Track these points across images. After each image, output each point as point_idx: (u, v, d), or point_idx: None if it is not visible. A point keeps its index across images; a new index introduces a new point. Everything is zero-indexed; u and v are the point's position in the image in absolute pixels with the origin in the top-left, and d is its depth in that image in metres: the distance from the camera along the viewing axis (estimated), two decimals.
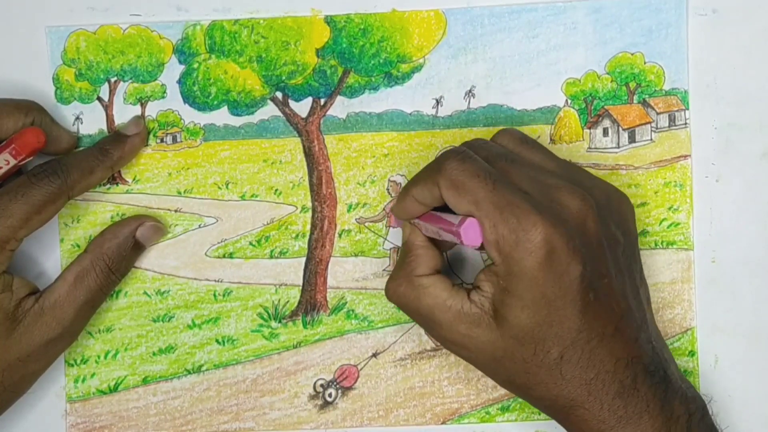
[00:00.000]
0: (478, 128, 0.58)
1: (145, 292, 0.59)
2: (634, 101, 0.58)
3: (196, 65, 0.58)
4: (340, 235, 0.59)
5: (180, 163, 0.59)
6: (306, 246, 0.59)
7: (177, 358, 0.59)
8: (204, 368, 0.59)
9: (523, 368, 0.49)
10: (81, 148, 0.58)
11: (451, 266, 0.58)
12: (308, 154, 0.58)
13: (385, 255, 0.58)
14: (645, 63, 0.58)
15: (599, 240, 0.49)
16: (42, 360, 0.55)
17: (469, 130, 0.58)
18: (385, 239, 0.58)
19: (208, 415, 0.59)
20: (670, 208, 0.58)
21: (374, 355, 0.58)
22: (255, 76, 0.58)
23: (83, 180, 0.55)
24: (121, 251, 0.56)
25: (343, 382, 0.58)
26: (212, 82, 0.58)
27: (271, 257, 0.59)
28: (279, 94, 0.58)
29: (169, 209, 0.59)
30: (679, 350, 0.58)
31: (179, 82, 0.58)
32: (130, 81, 0.58)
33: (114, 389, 0.59)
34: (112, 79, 0.59)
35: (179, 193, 0.59)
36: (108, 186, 0.59)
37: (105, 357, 0.59)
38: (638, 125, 0.58)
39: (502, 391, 0.58)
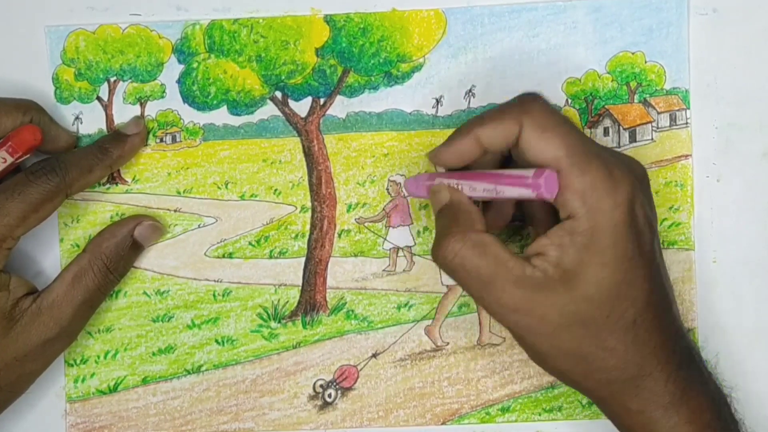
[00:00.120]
0: None
1: (144, 292, 0.58)
2: (635, 101, 0.58)
3: (195, 65, 0.58)
4: (339, 235, 0.58)
5: (179, 162, 0.58)
6: (305, 246, 0.58)
7: (176, 359, 0.58)
8: (203, 368, 0.59)
9: (594, 333, 0.47)
10: (80, 147, 0.58)
11: None
12: (308, 153, 0.58)
13: (385, 255, 0.58)
14: (646, 62, 0.58)
15: (652, 206, 0.50)
16: (39, 360, 0.55)
17: None
18: (385, 239, 0.58)
19: (207, 416, 0.58)
20: (670, 208, 0.58)
21: (374, 355, 0.58)
22: (254, 76, 0.58)
23: (82, 178, 0.55)
24: (119, 251, 0.56)
25: (342, 382, 0.58)
26: (211, 81, 0.58)
27: (271, 257, 0.59)
28: (278, 94, 0.58)
29: (168, 209, 0.59)
30: None
31: (178, 81, 0.58)
32: (130, 81, 0.58)
33: (114, 389, 0.59)
34: (112, 79, 0.58)
35: (179, 192, 0.59)
36: (107, 186, 0.58)
37: (105, 357, 0.59)
38: (639, 125, 0.58)
39: (503, 391, 0.58)
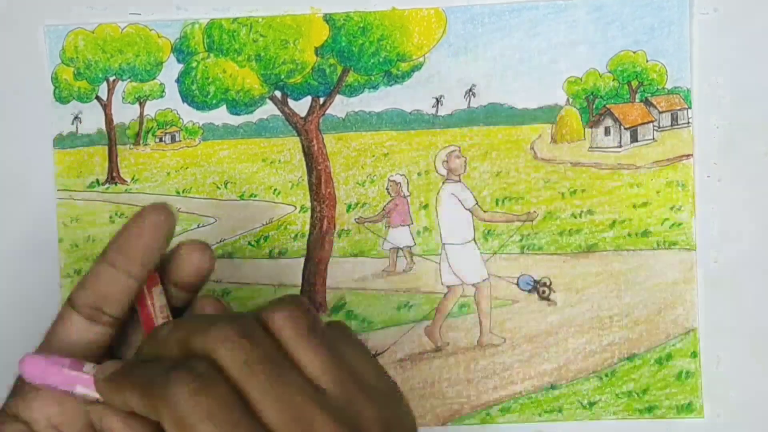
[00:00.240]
0: (479, 127, 0.58)
1: None
2: (636, 100, 0.58)
3: (194, 64, 0.58)
4: (339, 235, 0.58)
5: (178, 162, 0.58)
6: (305, 246, 0.58)
7: None
8: None
9: None
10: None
11: (451, 267, 0.58)
12: (307, 153, 0.58)
13: (385, 255, 0.58)
14: (647, 61, 0.57)
15: None
16: None
17: (470, 129, 0.58)
18: (385, 239, 0.58)
19: None
20: (672, 208, 0.57)
21: (374, 355, 0.58)
22: (254, 75, 0.58)
23: None
24: None
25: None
26: (211, 81, 0.58)
27: (270, 257, 0.58)
28: (278, 93, 0.58)
29: None
30: (682, 351, 0.57)
31: (178, 81, 0.58)
32: (129, 80, 0.58)
33: None
34: (111, 78, 0.58)
35: (178, 192, 0.58)
36: (107, 186, 0.58)
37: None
38: (640, 124, 0.58)
39: (503, 392, 0.58)
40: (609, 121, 0.58)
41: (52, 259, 0.58)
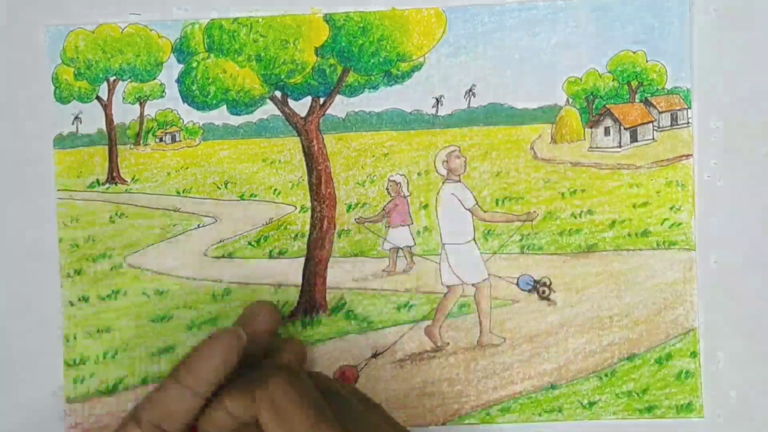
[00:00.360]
0: (479, 127, 0.58)
1: (143, 292, 0.58)
2: (636, 100, 0.58)
3: (194, 64, 0.58)
4: (339, 235, 0.58)
5: (179, 162, 0.58)
6: (305, 246, 0.58)
7: (176, 359, 0.58)
8: None
9: None
10: None
11: (451, 267, 0.58)
12: (307, 153, 0.58)
13: (385, 255, 0.58)
14: (647, 61, 0.57)
15: None
16: None
17: (470, 129, 0.58)
18: (385, 239, 0.58)
19: None
20: (671, 208, 0.57)
21: (374, 355, 0.58)
22: (254, 75, 0.58)
23: None
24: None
25: (342, 382, 0.58)
26: (211, 81, 0.58)
27: (271, 257, 0.58)
28: (278, 93, 0.58)
29: (168, 209, 0.58)
30: (681, 351, 0.57)
31: (178, 81, 0.58)
32: (129, 80, 0.58)
33: (113, 390, 0.58)
34: (111, 78, 0.58)
35: (178, 192, 0.58)
36: (107, 185, 0.58)
37: (104, 357, 0.58)
38: (640, 124, 0.58)
39: (503, 392, 0.58)
40: (609, 121, 0.58)
41: (52, 259, 0.58)
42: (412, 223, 0.58)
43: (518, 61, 0.57)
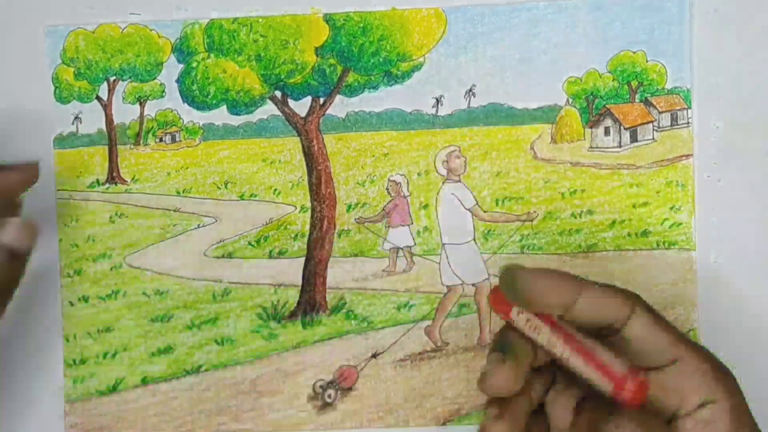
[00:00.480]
0: (479, 127, 0.58)
1: (143, 292, 0.58)
2: (636, 100, 0.58)
3: (194, 64, 0.58)
4: (339, 235, 0.58)
5: (179, 162, 0.58)
6: (305, 246, 0.58)
7: (176, 359, 0.58)
8: (203, 369, 0.58)
9: None
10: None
11: (451, 267, 0.58)
12: (307, 153, 0.58)
13: (385, 255, 0.58)
14: (647, 61, 0.57)
15: None
16: None
17: (470, 129, 0.58)
18: (385, 239, 0.58)
19: (207, 416, 0.58)
20: (672, 208, 0.57)
21: (374, 355, 0.58)
22: (254, 75, 0.58)
23: None
24: None
25: (342, 383, 0.58)
26: (211, 81, 0.58)
27: (270, 257, 0.58)
28: (278, 93, 0.58)
29: (168, 209, 0.58)
30: None
31: (178, 81, 0.58)
32: (129, 80, 0.58)
33: (113, 389, 0.59)
34: (111, 79, 0.58)
35: (178, 192, 0.58)
36: (107, 186, 0.58)
37: (104, 357, 0.58)
38: (640, 124, 0.58)
39: None
40: (609, 121, 0.58)
41: (52, 258, 0.58)
42: (412, 223, 0.58)
43: (518, 61, 0.57)
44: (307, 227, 0.58)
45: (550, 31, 0.57)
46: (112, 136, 0.58)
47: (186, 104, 0.58)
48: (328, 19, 0.58)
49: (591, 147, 0.58)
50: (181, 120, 0.58)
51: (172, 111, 0.58)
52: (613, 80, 0.58)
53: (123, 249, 0.58)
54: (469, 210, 0.58)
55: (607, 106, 0.58)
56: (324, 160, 0.58)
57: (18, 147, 0.58)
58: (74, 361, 0.58)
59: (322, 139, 0.58)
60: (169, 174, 0.58)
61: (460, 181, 0.58)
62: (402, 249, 0.58)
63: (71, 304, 0.58)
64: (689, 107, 0.57)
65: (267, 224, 0.58)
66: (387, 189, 0.58)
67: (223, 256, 0.58)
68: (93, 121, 0.58)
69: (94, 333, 0.58)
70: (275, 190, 0.58)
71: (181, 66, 0.58)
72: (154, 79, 0.58)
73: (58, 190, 0.58)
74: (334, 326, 0.58)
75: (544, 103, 0.58)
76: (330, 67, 0.58)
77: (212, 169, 0.58)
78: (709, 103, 0.57)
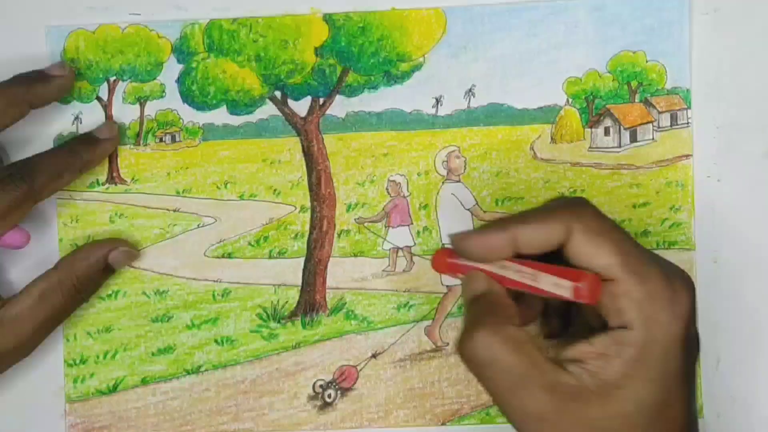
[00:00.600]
0: (479, 127, 0.58)
1: (143, 292, 0.58)
2: (636, 100, 0.58)
3: (194, 64, 0.58)
4: (339, 235, 0.58)
5: (179, 162, 0.58)
6: (305, 246, 0.58)
7: (176, 359, 0.58)
8: (203, 369, 0.58)
9: None
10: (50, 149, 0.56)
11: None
12: (307, 153, 0.58)
13: (385, 255, 0.58)
14: (647, 62, 0.57)
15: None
16: None
17: (469, 130, 0.58)
18: (385, 239, 0.58)
19: (207, 416, 0.58)
20: (671, 208, 0.57)
21: (374, 355, 0.58)
22: (254, 75, 0.58)
23: (51, 184, 0.54)
24: (90, 273, 0.56)
25: (342, 382, 0.58)
26: (211, 81, 0.58)
27: (270, 257, 0.58)
28: (278, 93, 0.58)
29: (167, 209, 0.59)
30: None
31: (178, 81, 0.58)
32: (129, 80, 0.58)
33: (113, 389, 0.59)
34: (111, 79, 0.58)
35: (178, 192, 0.58)
36: (107, 186, 0.58)
37: (104, 357, 0.58)
38: (640, 124, 0.58)
39: None
40: (609, 122, 0.58)
41: (51, 258, 0.58)
42: (412, 223, 0.58)
43: (518, 61, 0.57)
44: (307, 227, 0.58)
45: (550, 32, 0.57)
46: None
47: (186, 104, 0.58)
48: (328, 19, 0.58)
49: (591, 147, 0.58)
50: (181, 120, 0.58)
51: (172, 111, 0.58)
52: (612, 80, 0.58)
53: None
54: (469, 210, 0.58)
55: (607, 106, 0.58)
56: (324, 160, 0.58)
57: (18, 145, 0.58)
58: (74, 361, 0.58)
59: (322, 139, 0.58)
60: (169, 174, 0.58)
61: (460, 181, 0.58)
62: (402, 249, 0.58)
63: None
64: (689, 107, 0.57)
65: (267, 224, 0.58)
66: (387, 189, 0.58)
67: (223, 256, 0.58)
68: (93, 121, 0.58)
69: (94, 333, 0.58)
70: (275, 190, 0.58)
71: (181, 66, 0.58)
72: (154, 79, 0.58)
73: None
74: (334, 326, 0.58)
75: (544, 103, 0.58)
76: (330, 67, 0.58)
77: (212, 169, 0.58)
78: (708, 103, 0.57)
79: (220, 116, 0.58)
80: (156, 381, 0.58)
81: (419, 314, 0.58)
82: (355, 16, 0.58)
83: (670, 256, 0.57)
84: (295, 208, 0.58)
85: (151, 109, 0.58)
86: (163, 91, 0.58)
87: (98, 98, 0.58)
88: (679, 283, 0.44)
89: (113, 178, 0.58)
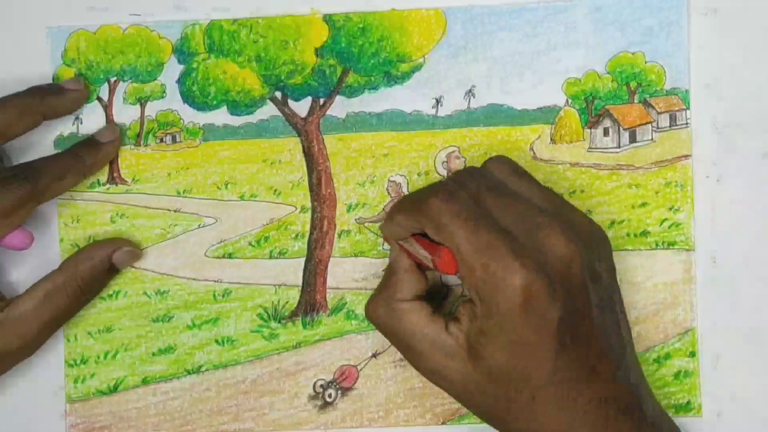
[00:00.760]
0: (478, 128, 0.58)
1: (144, 293, 0.58)
2: (635, 101, 0.58)
3: (195, 65, 0.58)
4: (339, 236, 0.58)
5: (179, 163, 0.58)
6: (305, 246, 0.58)
7: (176, 359, 0.58)
8: (203, 369, 0.58)
9: (495, 404, 0.50)
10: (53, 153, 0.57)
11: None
12: (307, 154, 0.58)
13: (385, 255, 0.58)
14: (646, 62, 0.57)
15: (583, 281, 0.48)
16: None
17: (469, 130, 0.58)
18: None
19: (207, 416, 0.58)
20: (670, 209, 0.58)
21: (374, 355, 0.58)
22: (254, 76, 0.58)
23: (54, 185, 0.54)
24: (95, 273, 0.56)
25: (342, 382, 0.58)
26: (211, 81, 0.58)
27: (271, 257, 0.59)
28: (278, 94, 0.58)
29: (168, 209, 0.59)
30: (680, 351, 0.57)
31: (178, 81, 0.58)
32: (130, 81, 0.58)
33: (113, 389, 0.59)
34: (112, 79, 0.59)
35: (178, 193, 0.59)
36: (107, 186, 0.58)
37: (104, 357, 0.59)
38: (639, 125, 0.58)
39: None
40: (608, 122, 0.58)
41: (52, 259, 0.58)
42: None
43: (518, 61, 0.58)
44: (308, 227, 0.58)
45: (550, 32, 0.58)
46: None
47: (186, 105, 0.58)
48: (328, 19, 0.58)
49: (590, 147, 0.58)
50: (181, 121, 0.58)
51: (172, 112, 0.58)
52: (612, 81, 0.58)
53: None
54: None
55: (606, 106, 0.58)
56: (324, 161, 0.58)
57: (19, 147, 0.58)
58: (74, 361, 0.59)
59: (323, 139, 0.58)
60: (169, 174, 0.59)
61: None
62: None
63: None
64: (688, 108, 0.57)
65: (267, 224, 0.59)
66: (387, 189, 0.58)
67: (223, 257, 0.59)
68: (93, 121, 0.59)
69: (94, 333, 0.59)
70: (275, 190, 0.58)
71: (181, 67, 0.58)
72: (155, 79, 0.58)
73: None
74: (334, 326, 0.58)
75: (544, 103, 0.58)
76: (330, 67, 0.58)
77: (213, 170, 0.59)
78: (707, 104, 0.57)
79: (221, 117, 0.58)
80: (156, 381, 0.59)
81: None
82: (355, 16, 0.58)
83: (670, 256, 0.57)
84: (296, 209, 0.58)
85: (152, 109, 0.58)
86: (164, 92, 0.58)
87: (99, 99, 0.59)
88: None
89: (114, 178, 0.59)
